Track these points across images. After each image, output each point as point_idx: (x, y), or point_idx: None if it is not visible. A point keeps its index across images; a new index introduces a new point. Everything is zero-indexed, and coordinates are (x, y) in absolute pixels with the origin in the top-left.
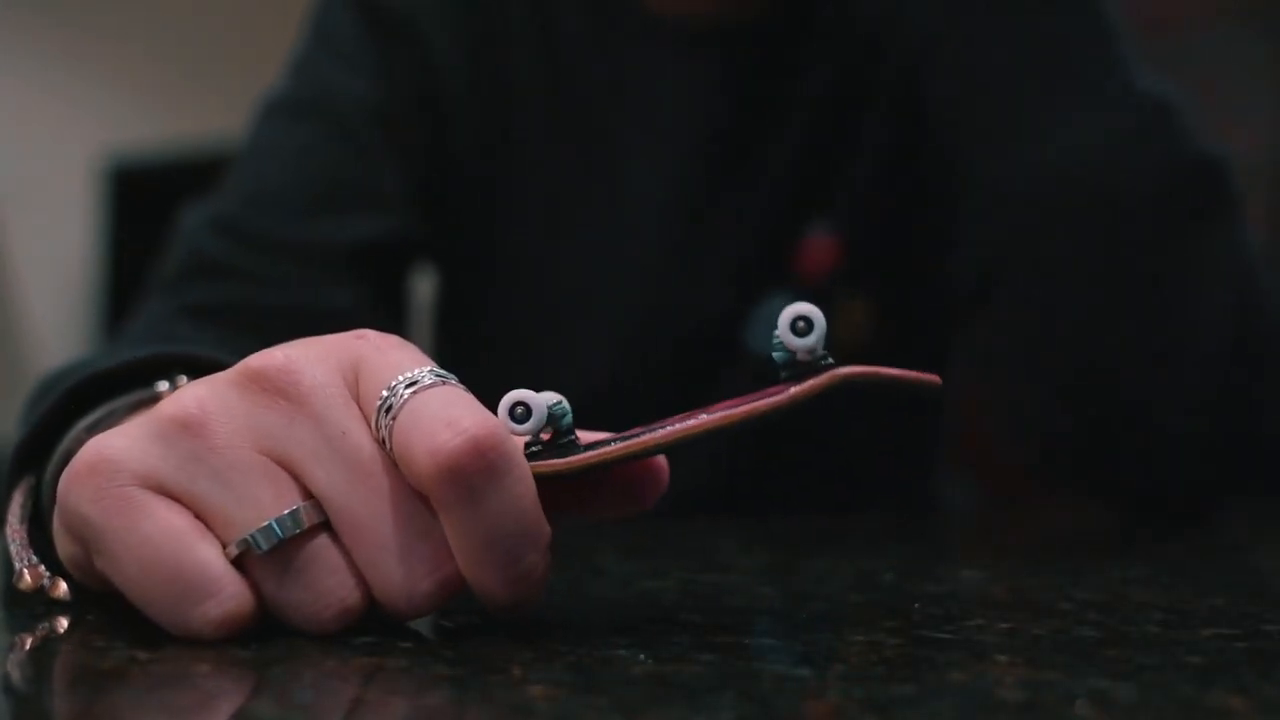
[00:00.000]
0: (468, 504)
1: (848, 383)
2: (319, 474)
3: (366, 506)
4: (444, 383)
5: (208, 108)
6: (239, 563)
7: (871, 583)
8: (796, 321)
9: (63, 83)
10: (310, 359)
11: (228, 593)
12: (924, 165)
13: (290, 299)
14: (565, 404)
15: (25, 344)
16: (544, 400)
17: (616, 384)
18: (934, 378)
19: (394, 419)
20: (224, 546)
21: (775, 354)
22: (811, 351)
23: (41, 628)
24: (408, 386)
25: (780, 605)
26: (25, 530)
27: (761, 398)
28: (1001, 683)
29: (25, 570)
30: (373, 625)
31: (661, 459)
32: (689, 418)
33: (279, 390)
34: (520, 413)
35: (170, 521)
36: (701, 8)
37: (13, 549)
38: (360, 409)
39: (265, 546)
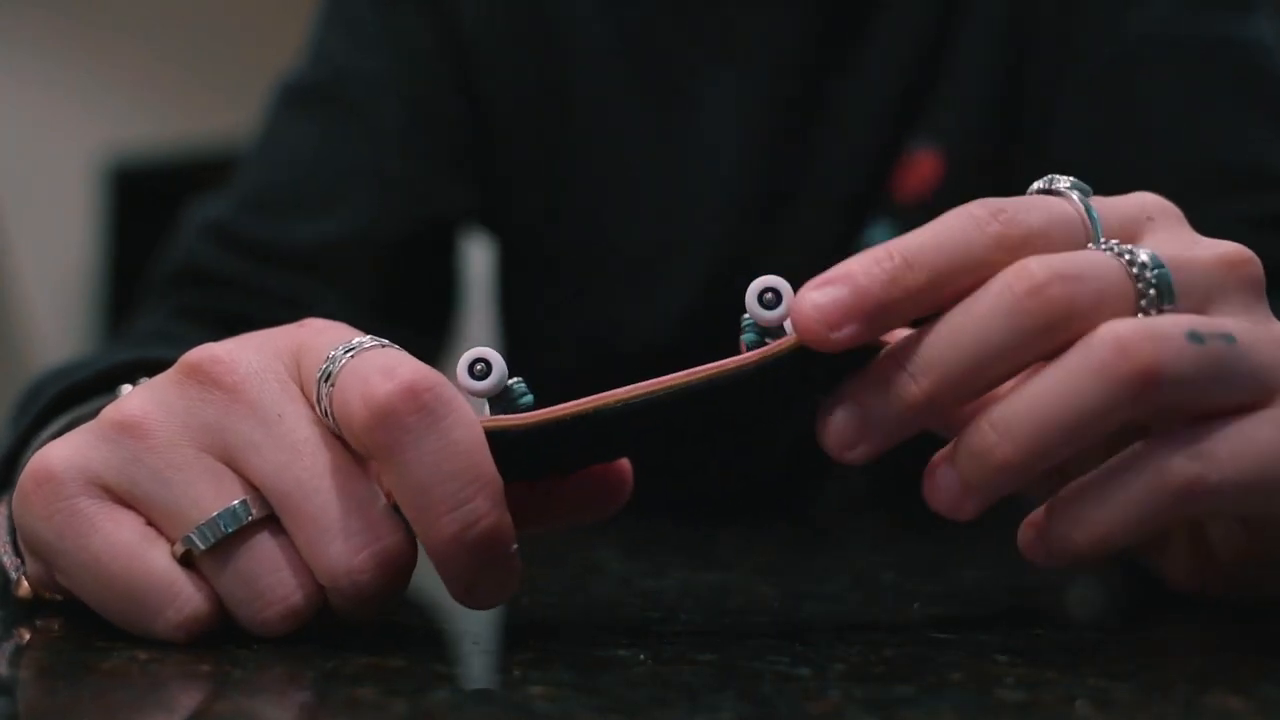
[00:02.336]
0: (405, 447)
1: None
2: (256, 462)
3: (301, 486)
4: (384, 345)
5: (210, 107)
6: (189, 562)
7: (871, 583)
8: (764, 294)
9: (64, 82)
10: (247, 348)
11: (183, 597)
12: (1031, 76)
13: (283, 313)
14: (525, 385)
15: (25, 344)
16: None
17: (700, 336)
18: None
19: (333, 385)
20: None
21: (745, 336)
22: (780, 324)
23: (41, 628)
24: (346, 352)
25: (780, 605)
26: (12, 544)
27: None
28: (1001, 683)
29: (22, 579)
30: (372, 626)
31: (625, 463)
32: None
33: (214, 381)
34: (480, 369)
35: (118, 534)
36: None
37: (6, 560)
38: (303, 390)
39: (204, 544)
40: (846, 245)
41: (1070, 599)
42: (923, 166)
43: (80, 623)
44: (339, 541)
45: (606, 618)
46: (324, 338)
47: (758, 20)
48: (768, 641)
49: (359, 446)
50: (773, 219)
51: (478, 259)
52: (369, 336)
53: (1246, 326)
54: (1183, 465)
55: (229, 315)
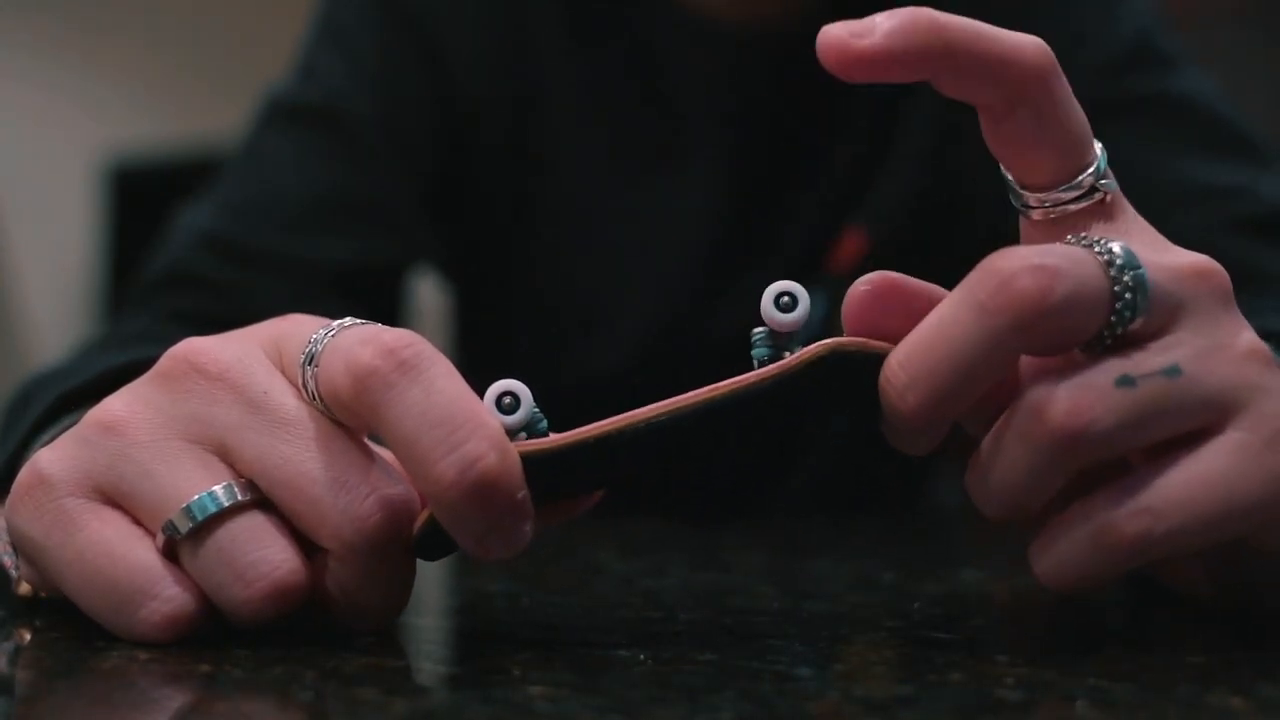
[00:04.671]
0: (391, 403)
1: (836, 353)
2: (245, 442)
3: (293, 456)
4: (364, 323)
5: (209, 107)
6: (173, 555)
7: (871, 583)
8: (781, 298)
9: (63, 82)
10: (230, 338)
11: (165, 594)
12: (966, 152)
13: (274, 316)
14: (540, 411)
15: (25, 343)
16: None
17: (648, 385)
18: None
19: (317, 365)
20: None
21: (755, 351)
22: (795, 328)
23: (41, 628)
24: (327, 333)
25: (780, 605)
26: (11, 544)
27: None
28: (1001, 683)
29: (22, 578)
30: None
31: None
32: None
33: (199, 371)
34: (508, 403)
35: (102, 531)
36: (744, 11)
37: (6, 560)
38: (286, 376)
39: (183, 529)
40: None
41: (1069, 599)
42: (851, 244)
43: (80, 623)
44: (343, 495)
45: (606, 618)
46: (304, 326)
47: (724, 107)
48: (768, 641)
49: (350, 419)
50: (722, 280)
51: (430, 291)
52: (348, 318)
53: (1202, 347)
54: (1128, 520)
55: (217, 319)
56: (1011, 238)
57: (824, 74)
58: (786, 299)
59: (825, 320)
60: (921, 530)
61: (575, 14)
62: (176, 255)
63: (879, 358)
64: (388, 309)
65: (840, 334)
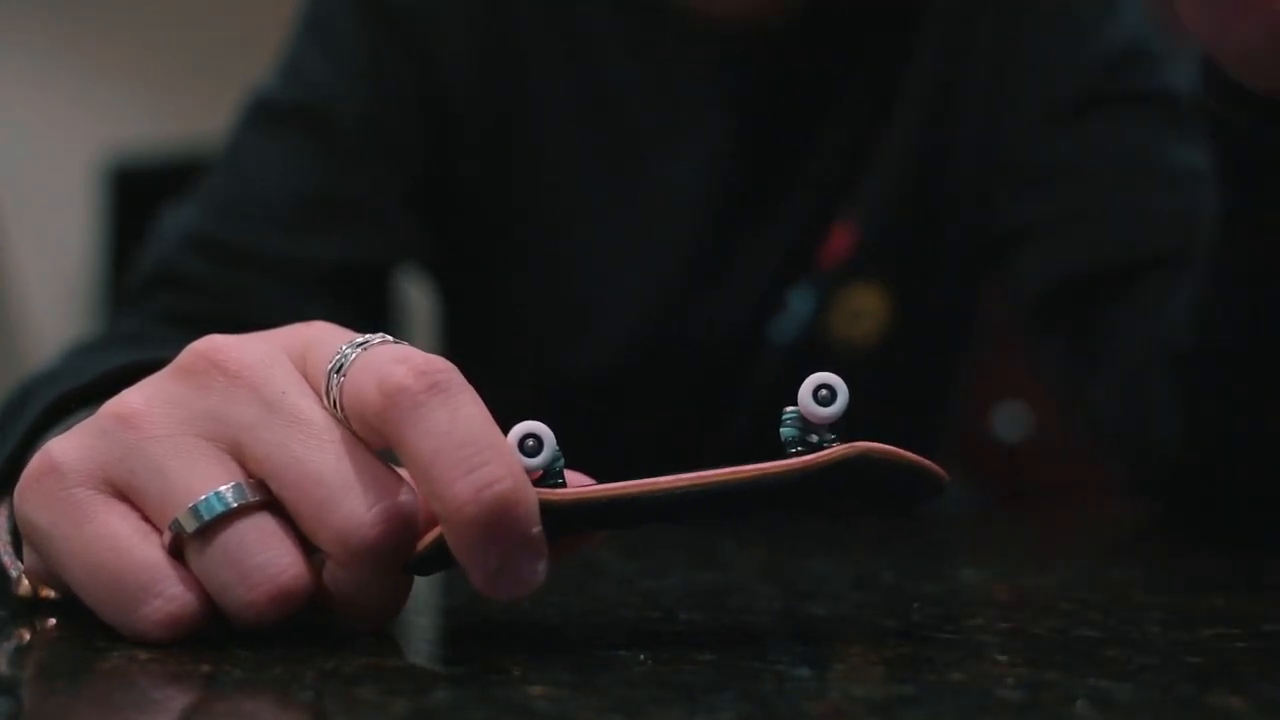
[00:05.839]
0: (417, 420)
1: (864, 458)
2: (258, 441)
3: (304, 457)
4: (395, 341)
5: (208, 107)
6: (179, 553)
7: (871, 583)
8: (819, 390)
9: (63, 82)
10: (253, 339)
11: (169, 594)
12: (959, 153)
13: (262, 315)
14: (560, 452)
15: (25, 343)
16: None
17: (638, 383)
18: (943, 472)
19: (345, 375)
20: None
21: (784, 430)
22: (834, 422)
23: (41, 628)
24: (358, 346)
25: (780, 605)
26: (11, 543)
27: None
28: (1001, 683)
29: (22, 577)
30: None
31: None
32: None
33: (218, 368)
34: (531, 445)
35: (111, 524)
36: (734, 7)
37: (6, 559)
38: (309, 383)
39: (190, 527)
40: (774, 305)
41: (1070, 599)
42: (840, 239)
43: (80, 623)
44: (349, 500)
45: (606, 618)
46: (332, 335)
47: (712, 102)
48: (768, 641)
49: (368, 434)
50: (711, 275)
51: (416, 291)
52: (378, 335)
53: None
54: None
55: (208, 319)
56: (993, 233)
57: (812, 70)
58: (825, 392)
59: (814, 314)
60: (921, 530)
61: (562, 12)
62: (164, 256)
63: (903, 464)
64: (376, 308)
65: (833, 330)
